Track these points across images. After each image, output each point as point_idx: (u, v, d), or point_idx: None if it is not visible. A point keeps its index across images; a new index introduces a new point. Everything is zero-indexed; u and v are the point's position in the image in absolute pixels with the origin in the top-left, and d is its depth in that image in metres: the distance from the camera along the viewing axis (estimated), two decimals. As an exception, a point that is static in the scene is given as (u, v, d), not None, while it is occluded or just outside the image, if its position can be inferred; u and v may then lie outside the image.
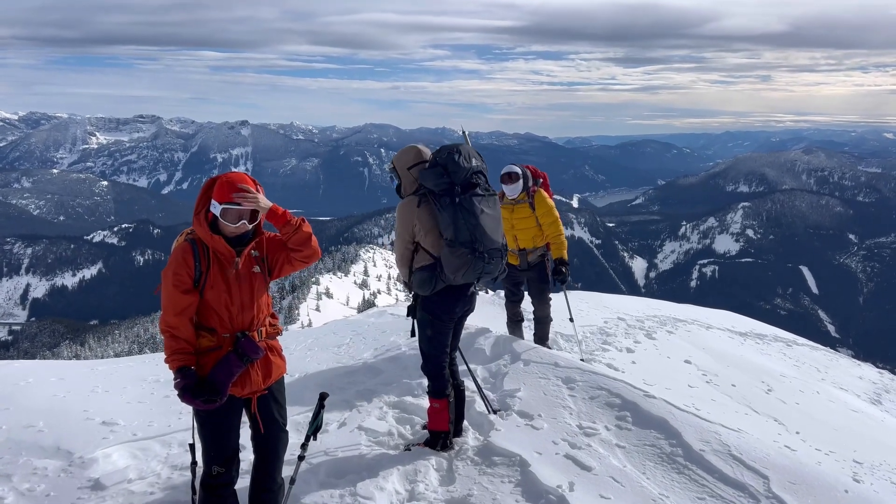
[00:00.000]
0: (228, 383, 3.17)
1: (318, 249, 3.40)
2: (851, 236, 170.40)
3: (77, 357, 59.80)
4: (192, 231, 3.28)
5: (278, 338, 3.58)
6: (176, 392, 3.11)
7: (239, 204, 3.14)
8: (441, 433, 4.49)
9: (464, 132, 5.63)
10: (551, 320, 7.02)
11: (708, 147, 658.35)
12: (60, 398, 5.71)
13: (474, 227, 4.13)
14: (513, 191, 6.51)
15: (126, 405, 5.65)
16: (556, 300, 7.13)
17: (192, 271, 3.17)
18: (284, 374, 3.57)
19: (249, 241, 3.30)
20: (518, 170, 6.51)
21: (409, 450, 4.52)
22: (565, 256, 6.52)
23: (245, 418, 3.47)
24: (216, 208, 3.16)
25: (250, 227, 3.25)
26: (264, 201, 3.22)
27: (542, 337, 6.93)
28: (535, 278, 6.74)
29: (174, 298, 3.13)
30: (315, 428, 3.62)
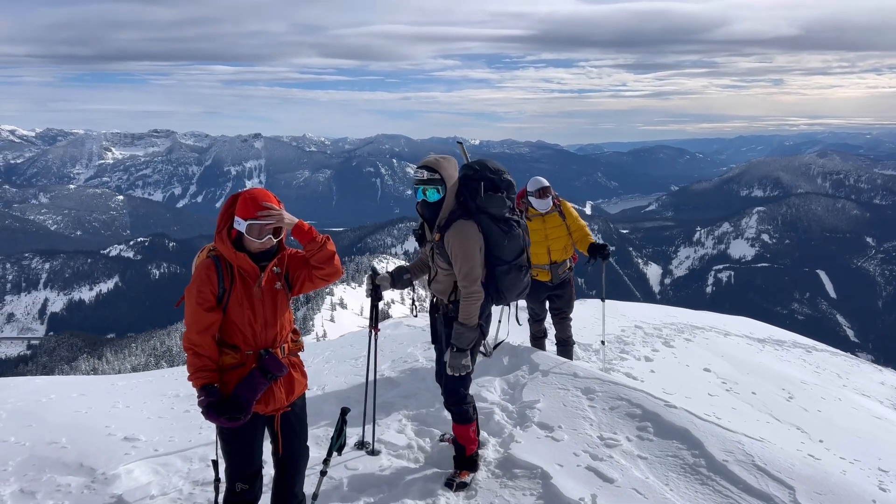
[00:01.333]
0: (253, 401, 3.17)
1: (340, 268, 3.40)
2: (869, 239, 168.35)
3: (95, 370, 60.25)
4: (214, 248, 3.28)
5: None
6: (200, 409, 3.11)
7: (264, 220, 3.15)
8: (475, 454, 4.42)
9: (460, 143, 5.38)
10: (574, 343, 6.96)
11: (721, 152, 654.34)
12: (82, 414, 5.76)
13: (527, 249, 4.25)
14: (545, 205, 6.40)
15: (146, 420, 5.70)
16: (591, 309, 7.06)
17: (216, 288, 3.18)
18: (305, 390, 3.58)
19: (273, 257, 3.31)
20: (547, 182, 6.48)
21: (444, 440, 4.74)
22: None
23: (266, 434, 3.47)
24: (241, 225, 3.16)
25: (275, 241, 3.27)
26: (289, 217, 3.23)
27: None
28: (561, 297, 6.59)
29: (198, 316, 3.13)
30: (340, 445, 3.63)
